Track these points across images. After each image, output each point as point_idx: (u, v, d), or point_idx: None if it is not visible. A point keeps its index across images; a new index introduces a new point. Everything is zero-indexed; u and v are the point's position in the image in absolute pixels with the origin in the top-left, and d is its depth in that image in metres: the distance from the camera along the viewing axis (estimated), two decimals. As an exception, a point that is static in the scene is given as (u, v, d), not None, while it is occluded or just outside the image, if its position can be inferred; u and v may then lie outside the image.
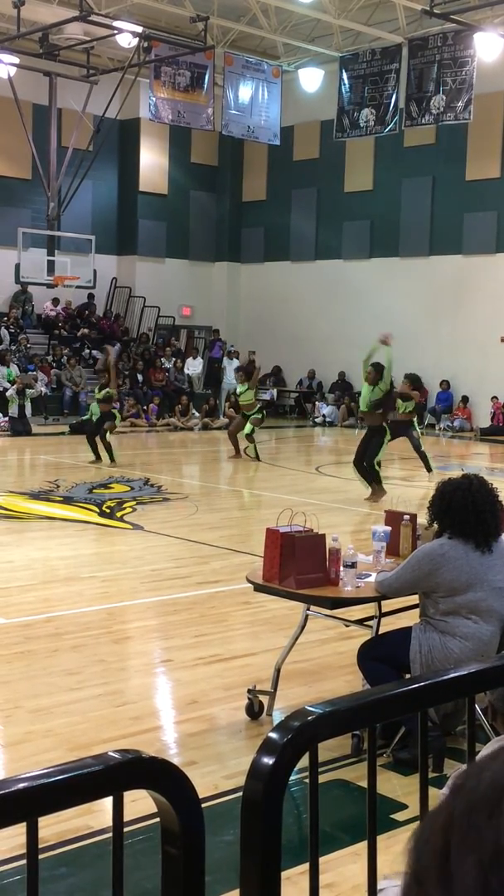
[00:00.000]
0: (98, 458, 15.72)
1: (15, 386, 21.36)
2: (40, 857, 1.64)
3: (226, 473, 16.94)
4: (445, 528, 4.71)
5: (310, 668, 6.09)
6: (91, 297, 26.89)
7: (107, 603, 7.67)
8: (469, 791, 0.58)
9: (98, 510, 11.73)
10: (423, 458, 15.26)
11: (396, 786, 4.44)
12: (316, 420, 25.37)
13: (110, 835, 1.70)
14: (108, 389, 15.99)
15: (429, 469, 15.25)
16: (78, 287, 24.74)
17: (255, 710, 5.31)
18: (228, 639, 6.79)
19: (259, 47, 25.36)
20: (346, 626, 5.77)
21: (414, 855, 0.58)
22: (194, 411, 23.52)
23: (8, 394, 21.25)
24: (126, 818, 1.70)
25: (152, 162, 27.97)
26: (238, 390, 17.32)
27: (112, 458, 15.63)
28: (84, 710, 5.36)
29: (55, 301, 26.07)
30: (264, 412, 17.06)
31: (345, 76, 23.00)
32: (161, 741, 5.07)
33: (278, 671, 5.39)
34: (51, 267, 24.23)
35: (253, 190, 29.19)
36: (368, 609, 5.28)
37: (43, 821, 1.57)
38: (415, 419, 15.17)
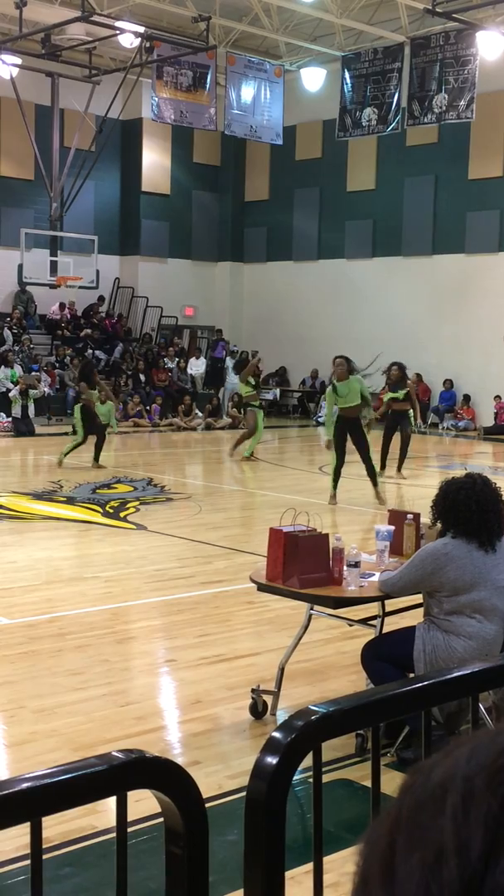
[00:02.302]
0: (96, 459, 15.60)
1: (18, 386, 21.37)
2: (45, 857, 1.64)
3: (229, 473, 16.94)
4: (449, 527, 4.70)
5: (314, 668, 6.09)
6: (101, 299, 26.96)
7: (110, 603, 7.67)
8: (417, 789, 0.57)
9: (101, 510, 11.73)
10: (403, 455, 14.98)
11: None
12: (319, 420, 25.33)
13: (114, 835, 1.70)
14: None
15: (398, 468, 14.97)
16: (81, 287, 24.74)
17: (258, 710, 5.31)
18: (232, 638, 6.79)
19: (261, 47, 25.35)
20: (350, 625, 5.77)
21: (362, 854, 0.58)
22: (197, 411, 23.53)
23: (11, 394, 21.26)
24: (130, 818, 1.70)
25: (155, 162, 27.97)
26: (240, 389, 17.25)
27: (96, 458, 15.55)
28: (88, 710, 5.36)
29: (62, 306, 26.05)
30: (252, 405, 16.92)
31: (347, 75, 22.98)
32: (165, 741, 5.07)
33: (282, 671, 5.39)
34: (53, 267, 24.24)
35: (255, 189, 29.18)
36: (372, 608, 5.28)
37: (47, 821, 1.57)
38: (410, 411, 14.95)
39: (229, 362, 26.06)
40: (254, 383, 17.09)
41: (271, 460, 17.12)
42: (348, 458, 12.65)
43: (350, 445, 12.45)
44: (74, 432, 17.41)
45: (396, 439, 15.02)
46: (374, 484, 12.64)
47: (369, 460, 12.47)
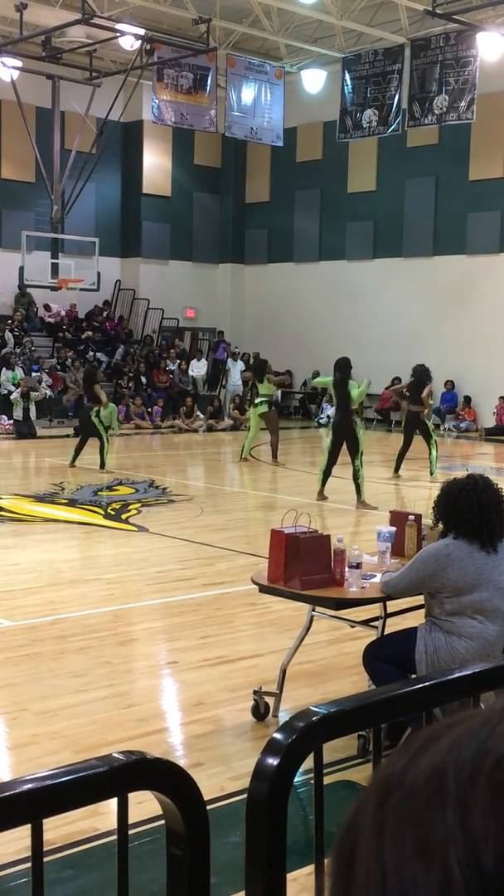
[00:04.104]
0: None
1: (20, 389, 21.37)
2: (46, 859, 1.64)
3: (230, 475, 16.94)
4: (450, 528, 4.70)
5: (315, 669, 6.09)
6: (107, 303, 27.03)
7: (112, 605, 7.67)
8: (397, 804, 0.51)
9: (103, 512, 11.73)
10: (401, 457, 15.23)
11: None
12: (320, 421, 25.33)
13: (116, 837, 1.70)
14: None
15: (395, 469, 15.30)
16: (82, 290, 24.75)
17: (260, 712, 5.31)
18: (234, 640, 6.79)
19: (262, 49, 25.36)
20: (352, 626, 5.77)
21: (353, 881, 0.51)
22: (199, 413, 23.53)
23: (12, 397, 21.26)
24: (132, 820, 1.70)
25: (155, 164, 27.99)
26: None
27: (73, 460, 15.59)
28: (90, 712, 5.36)
29: (46, 307, 26.03)
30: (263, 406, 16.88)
31: (347, 77, 22.99)
32: (167, 743, 5.07)
33: (284, 672, 5.39)
34: (55, 269, 24.25)
35: (256, 191, 29.19)
36: (374, 610, 5.27)
37: (49, 823, 1.57)
38: (424, 412, 15.14)
39: (231, 364, 26.06)
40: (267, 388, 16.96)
41: (273, 462, 17.10)
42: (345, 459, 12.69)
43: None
44: (77, 435, 17.44)
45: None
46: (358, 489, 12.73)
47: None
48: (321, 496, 12.81)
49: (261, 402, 16.68)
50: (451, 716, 0.55)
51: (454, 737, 0.52)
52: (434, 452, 15.13)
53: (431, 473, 14.95)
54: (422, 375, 15.17)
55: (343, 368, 12.49)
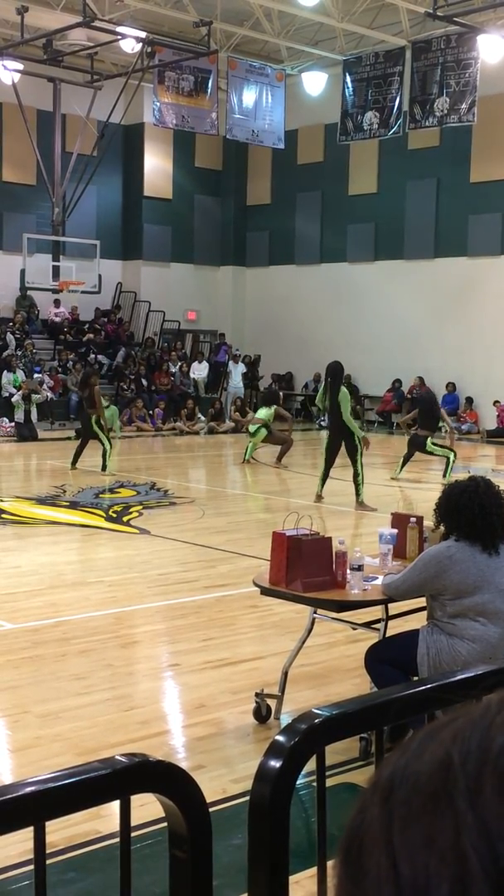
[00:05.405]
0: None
1: (21, 391, 21.38)
2: (49, 861, 1.64)
3: (232, 477, 16.94)
4: (452, 530, 4.69)
5: (317, 672, 6.09)
6: (118, 307, 27.08)
7: (114, 607, 7.67)
8: (404, 798, 0.50)
9: (104, 515, 11.74)
10: (405, 460, 15.32)
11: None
12: (322, 423, 25.32)
13: (118, 839, 1.70)
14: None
15: (398, 472, 15.41)
16: (83, 292, 24.77)
17: (262, 714, 5.30)
18: (236, 642, 6.79)
19: (262, 51, 25.38)
20: (354, 629, 5.77)
21: (352, 887, 0.51)
22: (200, 415, 23.53)
23: (14, 399, 21.27)
24: (134, 822, 1.70)
25: (157, 166, 28.01)
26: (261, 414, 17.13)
27: (74, 462, 15.61)
28: (92, 714, 5.36)
29: (56, 302, 26.06)
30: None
31: (348, 79, 23.01)
32: (169, 745, 5.07)
33: (286, 675, 5.39)
34: (56, 272, 24.26)
35: (257, 193, 29.20)
36: (376, 612, 5.28)
37: (51, 825, 1.57)
38: (430, 437, 15.22)
39: (232, 366, 26.06)
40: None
41: (274, 463, 17.11)
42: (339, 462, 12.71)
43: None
44: (78, 437, 17.43)
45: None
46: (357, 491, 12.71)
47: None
48: (318, 498, 12.82)
49: (257, 429, 16.73)
50: (447, 714, 0.55)
51: (455, 729, 0.52)
52: (451, 458, 15.15)
53: (444, 476, 14.94)
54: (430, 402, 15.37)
55: (335, 374, 12.42)
